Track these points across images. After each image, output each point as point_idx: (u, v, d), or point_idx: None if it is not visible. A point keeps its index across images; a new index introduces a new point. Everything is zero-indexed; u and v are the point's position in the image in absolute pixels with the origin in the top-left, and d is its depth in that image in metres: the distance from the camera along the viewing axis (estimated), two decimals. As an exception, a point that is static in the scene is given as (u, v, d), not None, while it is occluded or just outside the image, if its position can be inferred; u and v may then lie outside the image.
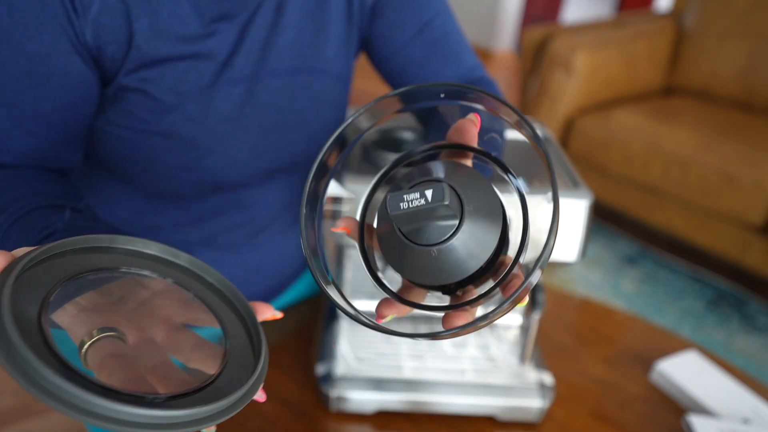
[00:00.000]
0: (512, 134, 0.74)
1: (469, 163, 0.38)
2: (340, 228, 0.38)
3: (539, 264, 0.31)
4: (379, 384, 0.67)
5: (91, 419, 0.27)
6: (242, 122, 0.60)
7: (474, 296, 0.36)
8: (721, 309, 2.08)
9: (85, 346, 0.33)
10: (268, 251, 0.75)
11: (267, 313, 0.42)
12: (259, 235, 0.73)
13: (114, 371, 0.32)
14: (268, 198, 0.71)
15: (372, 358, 0.70)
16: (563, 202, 0.59)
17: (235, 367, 0.37)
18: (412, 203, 0.32)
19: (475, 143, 0.37)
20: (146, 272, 0.39)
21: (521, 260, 0.35)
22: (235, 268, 0.73)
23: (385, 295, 0.37)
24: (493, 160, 0.38)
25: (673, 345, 0.83)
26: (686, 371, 0.76)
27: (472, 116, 0.37)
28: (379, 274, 0.38)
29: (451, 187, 0.34)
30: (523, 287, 0.31)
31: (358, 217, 0.39)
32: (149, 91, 0.55)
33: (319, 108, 0.65)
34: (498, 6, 4.44)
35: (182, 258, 0.42)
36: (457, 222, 0.33)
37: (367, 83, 3.80)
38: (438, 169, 0.36)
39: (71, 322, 0.34)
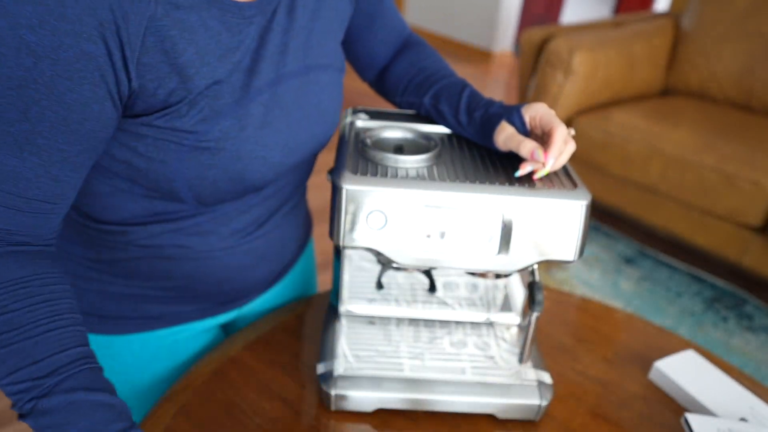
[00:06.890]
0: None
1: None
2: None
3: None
4: (379, 382, 0.67)
5: None
6: (273, 125, 0.62)
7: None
8: (719, 309, 2.09)
9: None
10: (274, 236, 0.76)
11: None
12: (269, 220, 0.74)
13: None
14: (284, 184, 0.73)
15: (372, 356, 0.71)
16: (561, 202, 0.59)
17: None
18: None
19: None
20: None
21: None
22: (244, 255, 0.73)
23: None
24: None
25: (671, 344, 0.84)
26: (684, 370, 0.76)
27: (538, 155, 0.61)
28: None
29: None
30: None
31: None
32: (190, 119, 0.56)
33: (330, 98, 0.69)
34: (497, 7, 4.45)
35: None
36: None
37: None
38: None
39: None
